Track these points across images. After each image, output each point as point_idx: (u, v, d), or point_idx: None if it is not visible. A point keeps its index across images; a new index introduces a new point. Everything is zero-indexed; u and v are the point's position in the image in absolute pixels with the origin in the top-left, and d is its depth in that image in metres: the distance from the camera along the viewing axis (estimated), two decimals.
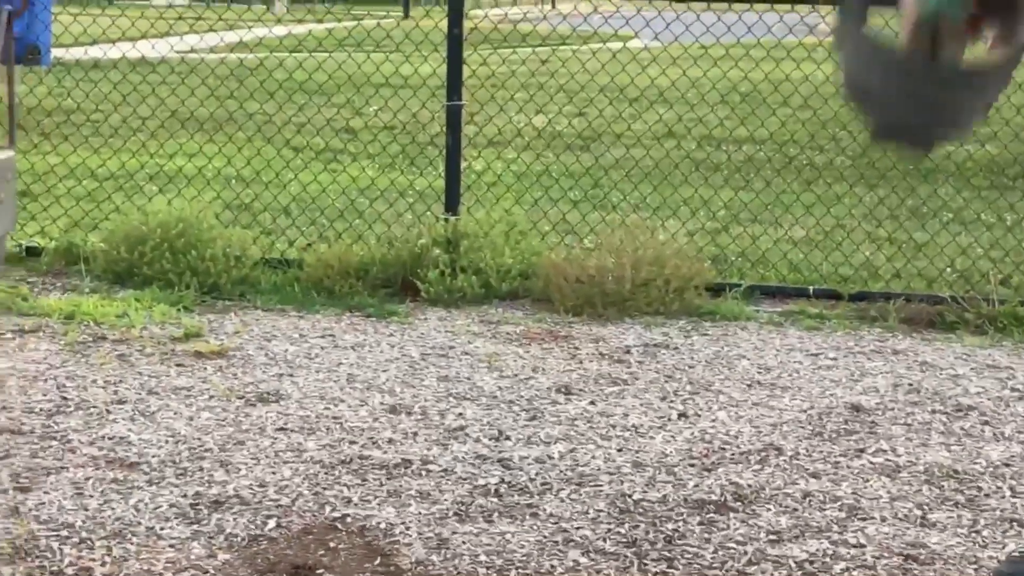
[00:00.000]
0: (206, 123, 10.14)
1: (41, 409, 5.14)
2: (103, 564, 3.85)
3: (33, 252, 7.51)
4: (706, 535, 4.18)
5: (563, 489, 4.50)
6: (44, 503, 4.26)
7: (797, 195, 9.00)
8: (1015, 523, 4.35)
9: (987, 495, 4.58)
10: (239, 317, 6.58)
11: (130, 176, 9.25)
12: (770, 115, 10.47)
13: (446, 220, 7.32)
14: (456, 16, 7.46)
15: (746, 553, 4.06)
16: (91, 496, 4.33)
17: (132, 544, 3.98)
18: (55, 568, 3.82)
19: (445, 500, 4.38)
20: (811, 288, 7.25)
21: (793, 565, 4.00)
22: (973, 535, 4.25)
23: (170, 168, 9.44)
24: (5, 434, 4.86)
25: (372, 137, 10.90)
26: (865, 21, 2.21)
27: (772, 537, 4.17)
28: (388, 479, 4.55)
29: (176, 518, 4.17)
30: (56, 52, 17.11)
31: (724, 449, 4.94)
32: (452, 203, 7.49)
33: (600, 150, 10.80)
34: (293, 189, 8.88)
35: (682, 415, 5.31)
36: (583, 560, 3.98)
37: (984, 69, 2.22)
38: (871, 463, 4.85)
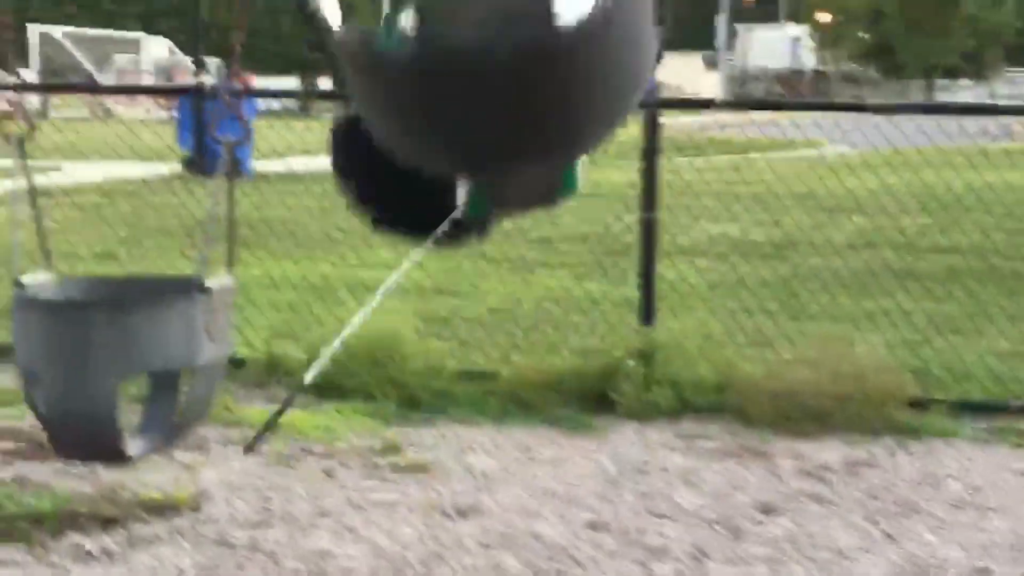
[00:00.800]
0: None
1: (246, 521, 5.23)
2: None
3: (237, 363, 7.68)
4: None
5: None
6: None
7: (1001, 305, 8.78)
8: None
9: None
10: (437, 430, 6.63)
11: (331, 287, 9.42)
12: (972, 223, 10.26)
13: (640, 331, 7.30)
14: (651, 127, 7.46)
15: None
16: None
17: None
18: None
19: None
20: (1018, 403, 7.03)
21: None
22: None
23: (370, 279, 9.59)
24: (213, 546, 4.95)
25: (567, 248, 10.96)
26: None
27: None
28: None
29: None
30: (259, 164, 17.63)
31: (932, 573, 4.80)
32: (647, 314, 7.46)
33: (796, 259, 10.70)
34: (489, 300, 8.95)
35: (888, 536, 5.18)
36: None
37: None
38: None
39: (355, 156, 2.31)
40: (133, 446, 3.53)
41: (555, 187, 2.16)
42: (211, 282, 3.32)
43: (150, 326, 3.22)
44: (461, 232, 2.39)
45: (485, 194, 2.31)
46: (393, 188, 2.32)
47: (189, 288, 3.35)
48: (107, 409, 3.29)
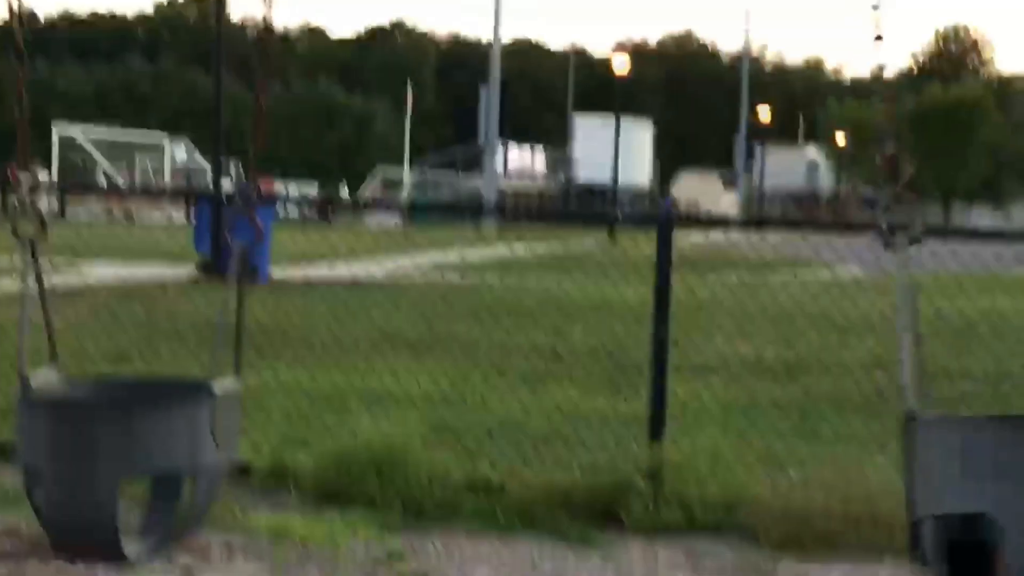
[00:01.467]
0: (415, 344, 10.33)
1: None
2: None
3: (244, 469, 7.64)
4: None
5: None
6: None
7: None
8: None
9: None
10: (442, 540, 6.58)
11: (341, 395, 9.40)
12: (985, 350, 10.24)
13: (650, 448, 7.26)
14: (664, 243, 7.47)
15: None
16: None
17: None
18: None
19: None
20: None
21: None
22: None
23: (379, 388, 9.58)
24: None
25: (577, 362, 10.95)
26: None
27: None
28: None
29: None
30: (276, 271, 17.72)
31: None
32: (656, 431, 7.42)
33: (808, 380, 10.67)
34: (499, 412, 8.93)
35: None
36: None
37: None
38: None
39: None
40: (132, 548, 3.50)
41: None
42: (218, 386, 3.31)
43: (155, 429, 3.21)
44: None
45: None
46: None
47: (196, 392, 3.35)
48: (108, 510, 3.27)
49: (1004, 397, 10.35)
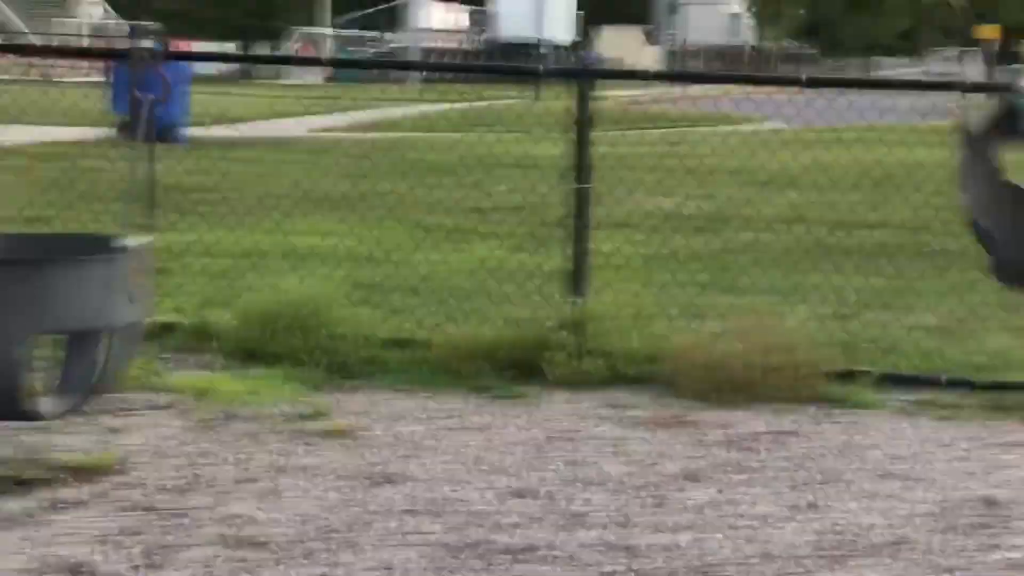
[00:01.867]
0: (339, 203, 10.29)
1: (172, 486, 5.21)
2: None
3: (167, 328, 7.63)
4: None
5: None
6: None
7: (929, 282, 8.87)
8: None
9: None
10: (367, 396, 6.63)
11: (263, 254, 9.37)
12: (903, 200, 10.34)
13: (573, 303, 7.32)
14: (585, 100, 7.47)
15: None
16: (219, 575, 4.37)
17: None
18: None
19: None
20: (943, 377, 7.11)
21: None
22: None
23: (303, 247, 9.56)
24: (137, 510, 4.93)
25: (501, 218, 10.97)
26: (988, 157, 2.17)
27: None
28: (513, 564, 4.53)
29: None
30: (194, 131, 17.51)
31: (854, 541, 4.85)
32: (579, 286, 7.48)
33: (729, 234, 10.75)
34: (423, 269, 8.95)
35: (812, 505, 5.23)
36: None
37: None
38: (1007, 558, 4.73)
39: None
40: (48, 405, 3.49)
41: None
42: (129, 241, 3.28)
43: (65, 283, 3.17)
44: None
45: None
46: None
47: (107, 247, 3.31)
48: (16, 368, 3.25)
49: (922, 246, 10.49)
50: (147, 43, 4.77)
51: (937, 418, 6.55)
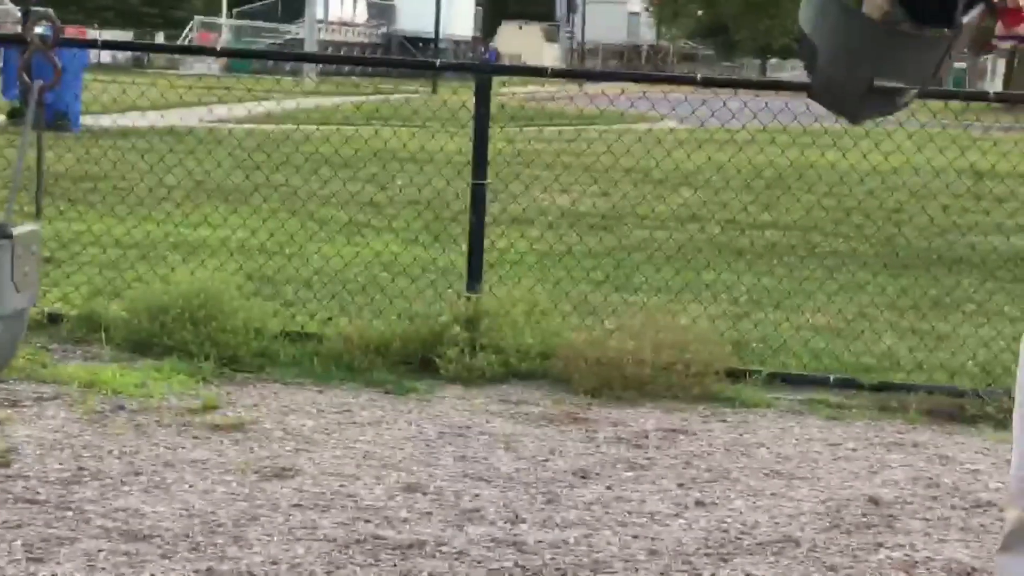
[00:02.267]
0: (232, 194, 10.20)
1: (57, 479, 5.13)
2: None
3: (55, 319, 7.53)
4: None
5: (578, 575, 4.46)
6: (56, 575, 4.24)
7: (820, 282, 8.99)
8: None
9: None
10: (257, 390, 6.57)
11: (154, 245, 9.27)
12: (795, 201, 10.47)
13: (468, 298, 7.32)
14: (483, 94, 7.47)
15: None
16: (103, 569, 4.31)
17: None
18: None
19: None
20: (831, 377, 7.20)
21: None
22: None
23: (194, 238, 9.47)
24: (20, 503, 4.85)
25: (396, 212, 10.94)
26: None
27: None
28: (401, 560, 4.51)
29: None
30: (86, 119, 17.27)
31: (740, 539, 4.90)
32: (474, 281, 7.48)
33: (623, 231, 10.81)
34: (316, 262, 8.90)
35: (699, 503, 5.27)
36: None
37: (923, 34, 2.20)
38: (889, 558, 4.80)
39: None
40: None
41: None
42: (16, 228, 3.22)
43: None
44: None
45: None
46: None
47: None
48: None
49: (812, 246, 10.62)
50: (40, 29, 4.70)
51: (825, 417, 6.64)
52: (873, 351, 7.67)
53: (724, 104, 8.22)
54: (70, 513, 4.78)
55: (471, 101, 7.53)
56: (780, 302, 8.57)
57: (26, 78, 3.31)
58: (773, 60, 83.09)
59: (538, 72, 8.09)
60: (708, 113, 8.52)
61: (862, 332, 8.07)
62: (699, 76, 7.82)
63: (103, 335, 7.20)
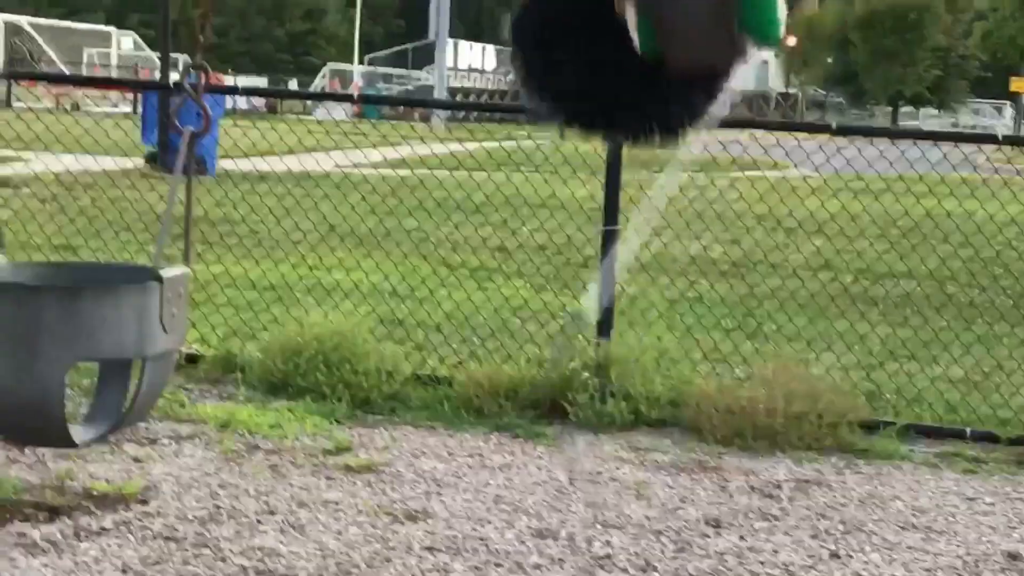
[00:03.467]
0: (364, 238, 10.31)
1: (194, 516, 5.21)
2: None
3: (192, 359, 7.66)
4: None
5: None
6: None
7: (956, 334, 8.84)
8: None
9: None
10: (389, 432, 6.62)
11: (289, 288, 9.39)
12: (931, 251, 10.32)
13: (597, 344, 7.31)
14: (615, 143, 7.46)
15: None
16: None
17: None
18: None
19: None
20: (968, 430, 7.07)
21: None
22: None
23: (328, 281, 9.58)
24: (159, 540, 4.93)
25: (526, 257, 10.97)
26: None
27: None
28: None
29: None
30: (224, 163, 17.57)
31: None
32: (604, 327, 7.47)
33: (755, 279, 10.74)
34: (446, 306, 8.95)
35: (834, 555, 5.21)
36: None
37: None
38: None
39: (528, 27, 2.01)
40: (80, 433, 3.50)
41: (740, 27, 1.70)
42: (166, 271, 3.30)
43: (102, 312, 3.19)
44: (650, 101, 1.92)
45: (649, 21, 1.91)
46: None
47: (143, 276, 3.33)
48: (54, 394, 3.26)
49: (949, 297, 10.46)
50: (188, 76, 4.77)
51: (961, 471, 6.52)
52: (1011, 404, 7.52)
53: (860, 152, 8.15)
54: (207, 551, 4.85)
55: (602, 147, 7.54)
56: (915, 353, 8.44)
57: (177, 125, 3.40)
58: (905, 108, 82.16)
59: None
60: (842, 162, 8.45)
61: (999, 385, 7.92)
62: (834, 124, 7.77)
63: (239, 375, 7.31)
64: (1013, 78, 73.17)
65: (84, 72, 51.39)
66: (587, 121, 2.07)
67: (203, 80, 3.67)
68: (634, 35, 1.93)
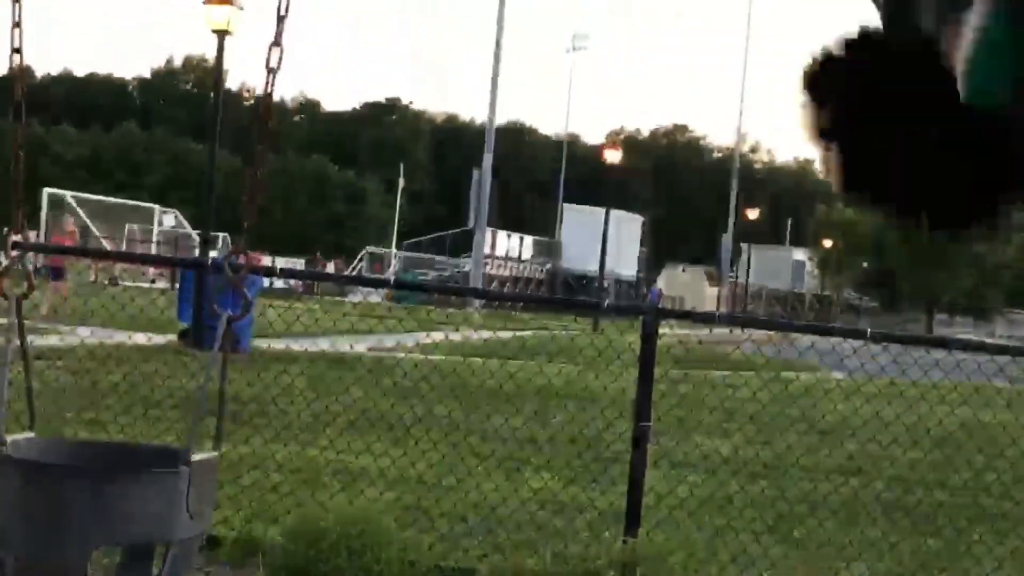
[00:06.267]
0: (395, 423, 10.28)
1: None
2: None
3: (213, 541, 7.57)
4: None
5: None
6: None
7: (989, 547, 8.69)
8: None
9: None
10: None
11: (316, 471, 9.34)
12: (964, 461, 10.21)
13: (624, 542, 7.21)
14: (649, 336, 7.47)
15: None
16: None
17: None
18: None
19: None
20: None
21: None
22: None
23: (355, 466, 9.52)
24: None
25: (556, 450, 10.90)
26: None
27: None
28: None
29: None
30: (258, 343, 17.66)
31: None
32: (632, 525, 7.37)
33: (786, 482, 10.63)
34: (473, 497, 8.87)
35: None
36: None
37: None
38: None
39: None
40: None
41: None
42: (195, 456, 3.27)
43: (130, 496, 3.16)
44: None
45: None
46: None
47: (173, 459, 3.30)
48: None
49: (983, 509, 10.31)
50: (226, 254, 4.80)
51: None
52: None
53: (895, 360, 8.11)
54: None
55: (633, 340, 7.53)
56: (946, 565, 8.28)
57: (216, 308, 3.40)
58: (940, 315, 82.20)
59: (707, 318, 8.09)
60: (876, 367, 8.41)
61: None
62: (869, 331, 7.75)
63: (260, 559, 7.22)
64: None
65: (124, 247, 52.08)
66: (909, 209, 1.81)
67: (245, 262, 3.68)
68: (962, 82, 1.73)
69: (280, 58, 3.67)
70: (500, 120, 71.43)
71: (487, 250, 63.62)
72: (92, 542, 3.23)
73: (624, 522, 7.43)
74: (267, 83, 3.66)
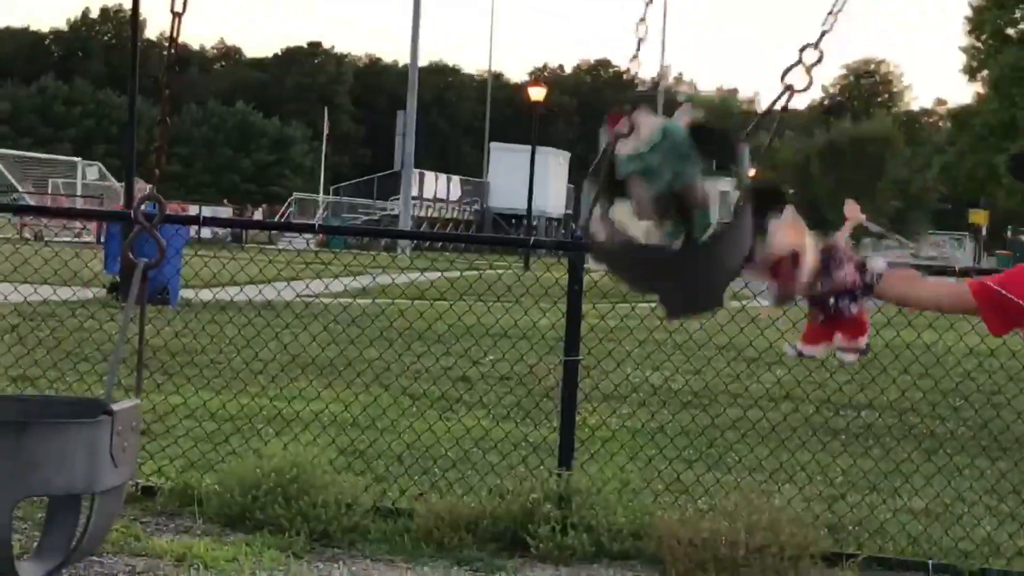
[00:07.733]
0: (326, 368, 10.27)
1: None
2: None
3: (148, 491, 7.57)
4: None
5: None
6: None
7: (917, 465, 8.83)
8: None
9: None
10: (348, 566, 6.54)
11: (249, 419, 9.33)
12: (890, 382, 10.34)
13: (559, 475, 7.27)
14: (576, 271, 7.51)
15: None
16: None
17: None
18: None
19: None
20: (930, 562, 7.04)
21: None
22: None
23: (288, 412, 9.52)
24: None
25: (488, 388, 10.94)
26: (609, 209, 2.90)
27: None
28: None
29: None
30: (185, 293, 17.55)
31: None
32: (566, 458, 7.44)
33: (716, 410, 10.73)
34: (407, 437, 8.90)
35: None
36: None
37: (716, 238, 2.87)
38: None
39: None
40: (28, 570, 3.44)
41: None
42: (116, 405, 3.26)
43: (50, 447, 3.15)
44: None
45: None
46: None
47: (93, 410, 3.29)
48: (1, 532, 3.20)
49: (909, 428, 10.47)
50: (145, 207, 4.75)
51: None
52: (972, 536, 7.49)
53: None
54: None
55: (564, 278, 7.57)
56: (876, 485, 8.42)
57: (132, 256, 3.38)
58: (865, 239, 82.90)
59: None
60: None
61: (961, 517, 7.89)
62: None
63: (196, 508, 7.22)
64: (972, 210, 74.10)
65: (49, 202, 51.44)
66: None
67: (159, 211, 3.66)
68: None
69: (185, 2, 3.64)
70: (423, 61, 71.08)
71: (415, 192, 63.44)
72: (13, 495, 3.22)
73: (558, 456, 7.49)
74: (172, 27, 3.64)
